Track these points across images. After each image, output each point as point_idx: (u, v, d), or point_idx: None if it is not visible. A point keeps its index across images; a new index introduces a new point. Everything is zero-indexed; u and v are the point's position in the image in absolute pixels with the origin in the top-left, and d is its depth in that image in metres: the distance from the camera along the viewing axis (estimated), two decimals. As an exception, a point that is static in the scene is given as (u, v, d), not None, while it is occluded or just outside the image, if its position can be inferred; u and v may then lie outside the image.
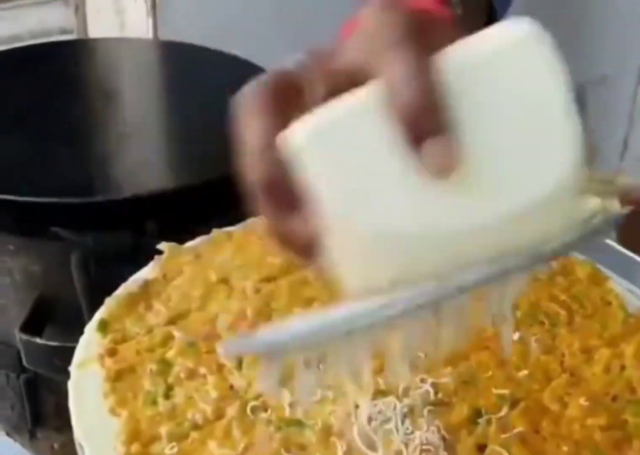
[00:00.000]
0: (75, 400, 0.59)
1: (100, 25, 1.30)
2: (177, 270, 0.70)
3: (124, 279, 0.71)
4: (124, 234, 0.81)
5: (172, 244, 0.73)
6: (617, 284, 0.68)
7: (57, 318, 0.84)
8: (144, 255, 0.75)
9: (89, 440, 0.55)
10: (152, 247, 0.75)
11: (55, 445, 0.95)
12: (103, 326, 0.64)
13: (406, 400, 0.56)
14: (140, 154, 0.88)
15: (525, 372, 0.58)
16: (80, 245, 0.81)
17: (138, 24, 1.23)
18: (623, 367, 0.59)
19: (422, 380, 0.56)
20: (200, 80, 0.99)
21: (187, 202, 0.84)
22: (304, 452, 0.54)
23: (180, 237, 0.78)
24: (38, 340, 0.79)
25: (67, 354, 0.63)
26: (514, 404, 0.56)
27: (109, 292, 0.69)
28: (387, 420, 0.55)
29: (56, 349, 0.79)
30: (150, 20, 1.24)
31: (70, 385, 0.60)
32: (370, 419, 0.55)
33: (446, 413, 0.55)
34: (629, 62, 1.85)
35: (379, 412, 0.56)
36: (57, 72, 1.00)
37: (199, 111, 0.92)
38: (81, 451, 0.56)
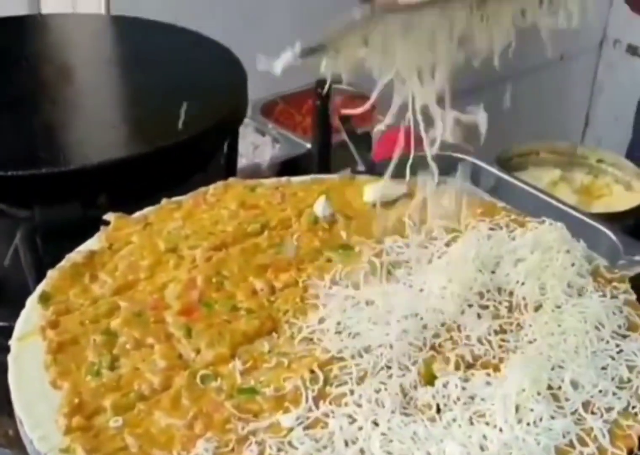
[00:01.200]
0: (15, 374, 0.56)
1: (53, 2, 1.26)
2: (125, 240, 0.67)
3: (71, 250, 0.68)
4: (71, 207, 0.78)
5: (119, 214, 0.70)
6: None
7: (6, 298, 0.81)
8: (93, 228, 0.73)
9: (28, 414, 0.53)
10: (102, 219, 0.73)
11: (10, 432, 0.91)
12: (45, 298, 0.61)
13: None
14: (89, 124, 0.84)
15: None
16: (26, 220, 0.78)
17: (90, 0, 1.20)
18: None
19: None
20: (152, 52, 0.96)
21: (137, 173, 0.81)
22: (256, 419, 0.51)
23: (131, 208, 0.75)
24: (-15, 321, 0.76)
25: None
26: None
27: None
28: (343, 383, 0.53)
29: (4, 329, 0.76)
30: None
31: (10, 359, 0.57)
32: (325, 383, 0.53)
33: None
34: (586, 42, 1.85)
35: (335, 376, 0.54)
36: (6, 47, 0.96)
37: (149, 82, 0.89)
38: (21, 427, 0.53)
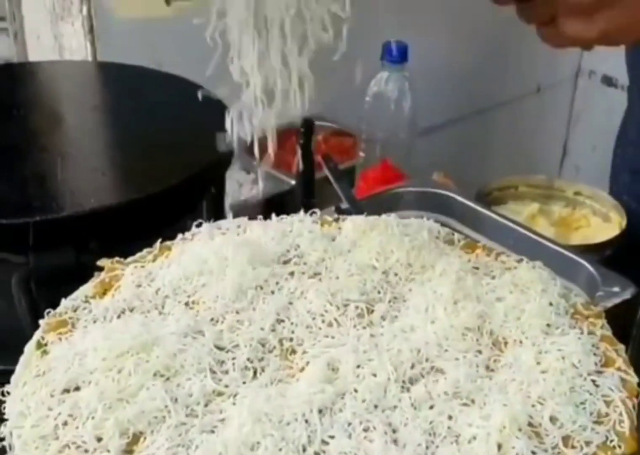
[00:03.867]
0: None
1: (41, 51, 1.29)
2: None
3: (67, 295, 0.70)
4: (65, 253, 0.80)
5: (113, 259, 0.73)
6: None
7: (2, 342, 0.82)
8: (87, 273, 0.75)
9: None
10: (95, 264, 0.75)
11: None
12: (42, 345, 0.63)
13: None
14: (80, 172, 0.87)
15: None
16: (20, 266, 0.80)
17: (77, 48, 1.23)
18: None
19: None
20: (139, 98, 0.99)
21: (129, 218, 0.84)
22: None
23: (122, 251, 0.77)
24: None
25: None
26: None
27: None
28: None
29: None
30: (89, 44, 1.23)
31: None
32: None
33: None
34: (562, 73, 1.90)
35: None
36: (-4, 95, 0.99)
37: (139, 128, 0.92)
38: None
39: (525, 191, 1.24)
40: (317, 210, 1.23)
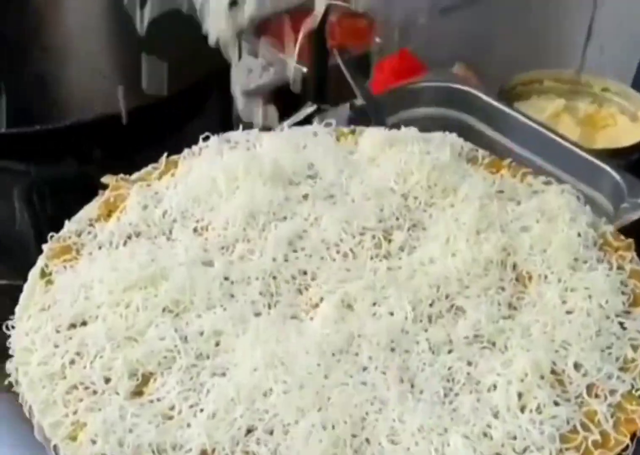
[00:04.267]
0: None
1: None
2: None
3: (70, 209, 0.67)
4: (68, 164, 0.77)
5: (118, 176, 0.69)
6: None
7: (5, 255, 0.80)
8: (90, 184, 0.71)
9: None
10: (98, 175, 0.71)
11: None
12: (45, 274, 0.61)
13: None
14: (82, 75, 0.82)
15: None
16: (22, 177, 0.77)
17: None
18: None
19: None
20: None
21: (134, 125, 0.80)
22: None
23: (126, 162, 0.74)
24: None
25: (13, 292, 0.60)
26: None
27: (55, 225, 0.65)
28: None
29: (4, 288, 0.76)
30: None
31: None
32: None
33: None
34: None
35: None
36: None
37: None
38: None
39: (550, 86, 1.18)
40: (328, 108, 1.19)
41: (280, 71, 1.37)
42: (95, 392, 0.52)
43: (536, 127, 1.03)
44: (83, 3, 0.90)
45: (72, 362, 0.54)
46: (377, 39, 1.36)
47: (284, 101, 1.34)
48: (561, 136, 1.02)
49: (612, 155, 1.02)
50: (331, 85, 1.31)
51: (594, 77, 1.17)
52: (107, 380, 0.53)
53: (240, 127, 0.74)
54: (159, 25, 0.85)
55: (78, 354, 0.54)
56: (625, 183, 0.94)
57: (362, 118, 1.02)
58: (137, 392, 0.53)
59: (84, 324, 0.57)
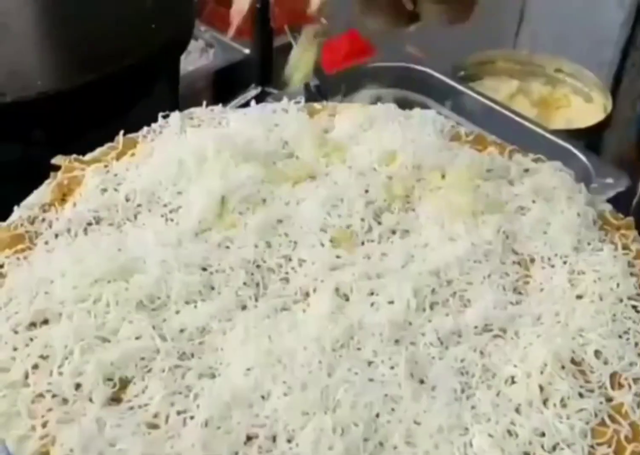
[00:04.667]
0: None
1: None
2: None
3: (14, 196, 0.60)
4: (10, 146, 0.69)
5: (71, 156, 0.62)
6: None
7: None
8: (36, 170, 0.64)
9: None
10: (43, 159, 0.64)
11: None
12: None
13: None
14: (22, 49, 0.73)
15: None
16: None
17: None
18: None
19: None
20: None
21: (81, 104, 0.72)
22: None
23: (76, 146, 0.67)
24: None
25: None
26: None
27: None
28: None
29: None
30: None
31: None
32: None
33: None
34: None
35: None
36: None
37: (87, 2, 0.78)
38: None
39: (503, 66, 1.15)
40: (273, 90, 1.13)
41: (220, 53, 1.31)
42: (65, 401, 0.46)
43: (499, 108, 1.00)
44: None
45: (36, 366, 0.47)
46: (323, 20, 1.31)
47: (225, 84, 1.28)
48: (523, 117, 0.99)
49: (570, 136, 0.99)
50: (276, 68, 1.25)
51: (547, 57, 1.15)
52: (79, 387, 0.46)
53: (204, 103, 0.67)
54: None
55: (42, 357, 0.47)
56: (591, 164, 0.92)
57: (317, 99, 0.97)
58: (115, 399, 0.46)
59: (45, 322, 0.50)
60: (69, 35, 0.75)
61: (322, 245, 0.55)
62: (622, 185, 0.90)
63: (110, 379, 0.46)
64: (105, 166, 0.61)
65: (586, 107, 1.11)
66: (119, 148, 0.63)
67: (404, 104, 1.04)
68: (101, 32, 0.75)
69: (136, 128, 0.65)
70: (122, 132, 0.64)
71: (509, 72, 1.16)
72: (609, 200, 0.88)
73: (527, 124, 0.98)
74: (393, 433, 0.44)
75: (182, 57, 1.35)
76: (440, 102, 1.06)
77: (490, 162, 0.62)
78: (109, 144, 0.64)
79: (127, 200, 0.58)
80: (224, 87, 1.26)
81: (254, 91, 1.21)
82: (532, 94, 1.13)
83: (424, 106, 1.05)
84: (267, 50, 1.21)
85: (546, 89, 1.14)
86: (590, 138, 1.04)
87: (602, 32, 1.47)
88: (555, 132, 0.98)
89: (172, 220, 0.57)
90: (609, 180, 0.89)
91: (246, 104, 1.08)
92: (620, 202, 0.90)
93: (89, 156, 0.63)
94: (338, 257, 0.54)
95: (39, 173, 0.63)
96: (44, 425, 0.44)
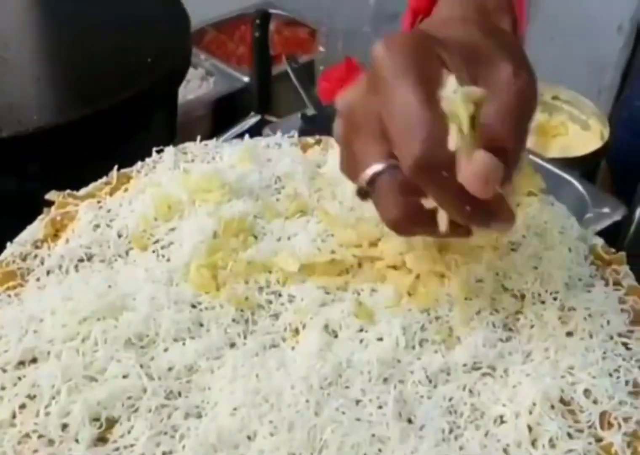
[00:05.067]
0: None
1: None
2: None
3: (9, 231, 0.60)
4: (5, 180, 0.70)
5: (65, 192, 0.62)
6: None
7: None
8: (31, 204, 0.64)
9: None
10: (39, 193, 0.64)
11: None
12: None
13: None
14: (18, 82, 0.74)
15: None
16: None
17: None
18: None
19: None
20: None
21: (77, 137, 0.73)
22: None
23: (73, 179, 0.67)
24: None
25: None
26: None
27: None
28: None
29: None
30: None
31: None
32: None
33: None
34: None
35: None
36: None
37: (80, 33, 0.79)
38: None
39: (500, 95, 1.15)
40: (273, 118, 1.13)
41: (220, 81, 1.32)
42: (51, 442, 0.46)
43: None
44: (18, 7, 0.83)
45: (23, 406, 0.47)
46: (321, 48, 1.32)
47: (226, 111, 1.29)
48: (520, 146, 0.99)
49: (567, 165, 0.99)
50: (274, 96, 1.26)
51: (544, 84, 1.16)
52: (65, 427, 0.46)
53: (198, 138, 0.68)
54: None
55: (29, 397, 0.47)
56: (588, 193, 0.92)
57: (313, 129, 0.98)
58: (101, 439, 0.46)
59: (34, 361, 0.50)
60: (66, 70, 0.76)
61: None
62: (619, 214, 0.90)
63: (97, 419, 0.46)
64: (99, 202, 0.61)
65: (583, 135, 1.11)
66: (113, 183, 0.64)
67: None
68: (97, 67, 0.76)
69: (134, 160, 0.66)
70: (116, 167, 0.64)
71: (507, 100, 1.16)
72: (606, 229, 0.89)
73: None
74: (380, 474, 0.44)
75: (182, 86, 1.36)
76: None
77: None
78: (102, 179, 0.64)
79: (119, 236, 0.58)
80: (224, 114, 1.27)
81: (253, 119, 1.22)
82: (530, 122, 1.13)
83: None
84: (265, 78, 1.21)
85: (543, 116, 1.14)
86: (587, 166, 1.04)
87: (602, 58, 1.48)
88: (552, 161, 0.98)
89: (163, 256, 0.57)
90: (606, 210, 0.89)
91: (246, 132, 1.09)
92: (616, 231, 0.91)
93: (82, 191, 0.63)
94: (327, 293, 0.54)
95: (35, 207, 0.64)
96: (30, 466, 0.44)
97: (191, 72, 1.37)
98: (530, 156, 0.97)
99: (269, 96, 1.23)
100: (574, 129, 1.13)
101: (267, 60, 1.23)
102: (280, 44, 1.39)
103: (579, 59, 1.47)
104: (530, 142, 1.09)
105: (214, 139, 0.69)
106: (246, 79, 1.28)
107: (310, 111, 1.02)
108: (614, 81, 1.46)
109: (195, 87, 1.31)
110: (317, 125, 0.99)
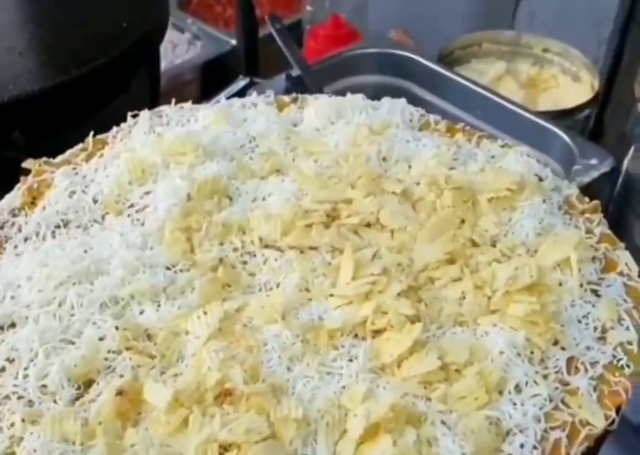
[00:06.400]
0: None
1: None
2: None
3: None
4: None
5: (41, 160, 0.63)
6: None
7: None
8: (12, 172, 0.65)
9: None
10: (17, 161, 0.65)
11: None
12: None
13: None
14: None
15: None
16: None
17: None
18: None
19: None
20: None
21: (54, 105, 0.73)
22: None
23: (50, 143, 0.68)
24: None
25: None
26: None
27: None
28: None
29: None
30: None
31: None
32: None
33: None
34: None
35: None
36: None
37: (57, 2, 0.79)
38: None
39: (489, 48, 1.14)
40: (261, 80, 1.12)
41: (207, 45, 1.32)
42: (31, 402, 0.47)
43: (480, 90, 1.00)
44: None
45: (3, 369, 0.48)
46: (308, 7, 1.31)
47: (214, 76, 1.29)
48: (506, 99, 0.99)
49: (557, 117, 0.99)
50: (262, 58, 1.25)
51: (534, 37, 1.15)
52: (44, 388, 0.47)
53: (173, 101, 0.68)
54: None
55: (9, 360, 0.48)
56: (575, 145, 0.92)
57: (299, 89, 0.98)
58: (79, 399, 0.47)
59: (12, 326, 0.51)
60: (39, 38, 0.76)
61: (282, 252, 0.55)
62: (607, 166, 0.89)
63: (74, 380, 0.47)
64: (74, 168, 0.62)
65: (574, 87, 1.11)
66: (89, 149, 0.64)
67: (388, 91, 1.05)
68: (72, 33, 0.75)
69: (116, 125, 0.66)
70: (92, 133, 0.65)
71: (497, 53, 1.15)
72: (594, 181, 0.89)
73: (511, 106, 0.98)
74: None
75: (169, 50, 1.36)
76: (425, 88, 1.06)
77: (456, 151, 0.62)
78: (79, 146, 0.65)
79: (94, 202, 0.59)
80: (212, 78, 1.27)
81: (242, 82, 1.21)
82: (520, 75, 1.12)
83: (409, 92, 1.06)
84: (252, 40, 1.21)
85: (534, 69, 1.13)
86: (577, 118, 1.03)
87: (601, 10, 1.46)
88: (540, 114, 0.98)
89: (138, 220, 0.57)
90: (593, 161, 0.89)
91: (235, 96, 1.09)
92: (604, 182, 0.91)
93: (59, 158, 0.64)
94: (301, 252, 0.55)
95: (16, 176, 0.64)
96: (11, 426, 0.46)
97: (178, 37, 1.36)
98: (517, 109, 0.97)
99: (257, 58, 1.23)
100: (564, 81, 1.12)
101: (253, 21, 1.22)
102: (267, 4, 1.38)
103: (578, 11, 1.45)
104: (521, 96, 1.08)
105: (203, 104, 0.69)
106: (234, 42, 1.27)
107: (296, 72, 1.02)
108: (613, 33, 1.44)
109: (183, 52, 1.31)
110: (301, 85, 0.99)
